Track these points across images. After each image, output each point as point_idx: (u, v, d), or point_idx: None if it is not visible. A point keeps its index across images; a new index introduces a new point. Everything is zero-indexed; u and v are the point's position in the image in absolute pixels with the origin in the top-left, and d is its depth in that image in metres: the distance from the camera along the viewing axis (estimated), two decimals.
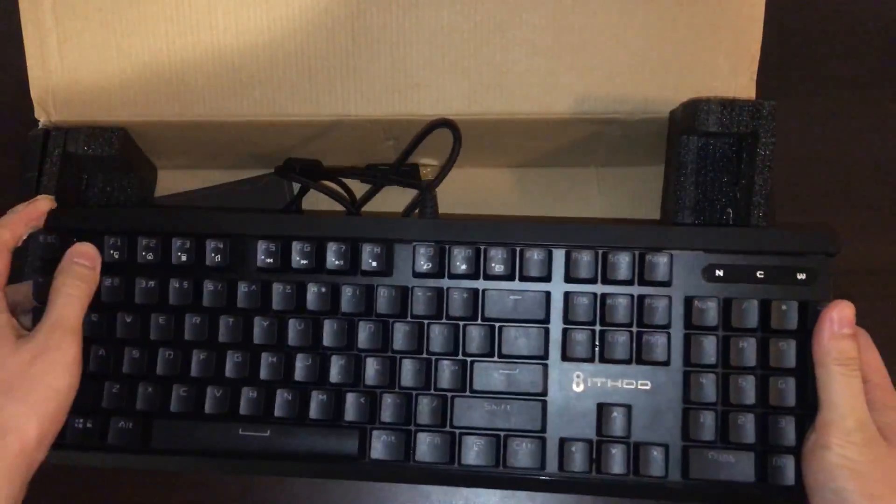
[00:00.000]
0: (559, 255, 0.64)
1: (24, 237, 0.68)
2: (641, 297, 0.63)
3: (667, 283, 0.63)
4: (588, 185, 0.88)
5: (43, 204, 0.69)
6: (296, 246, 0.66)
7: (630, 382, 0.62)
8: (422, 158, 0.88)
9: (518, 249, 0.65)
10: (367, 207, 0.87)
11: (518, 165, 0.90)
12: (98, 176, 0.81)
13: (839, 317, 0.57)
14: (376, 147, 0.84)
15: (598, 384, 0.62)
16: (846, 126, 0.89)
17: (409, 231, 0.66)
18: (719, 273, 0.63)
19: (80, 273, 0.64)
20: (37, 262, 0.69)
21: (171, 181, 0.89)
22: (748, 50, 0.74)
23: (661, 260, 0.62)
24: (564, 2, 0.73)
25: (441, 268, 0.65)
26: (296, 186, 0.89)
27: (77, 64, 0.76)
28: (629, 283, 0.63)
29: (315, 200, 0.90)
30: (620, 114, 0.74)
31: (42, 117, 0.77)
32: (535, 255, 0.64)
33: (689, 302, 0.62)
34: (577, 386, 0.63)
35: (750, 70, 0.74)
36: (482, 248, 0.65)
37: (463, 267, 0.64)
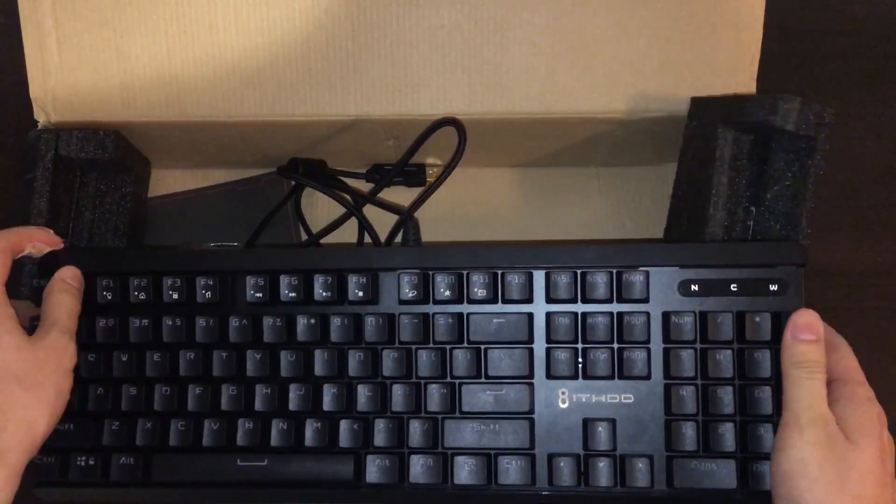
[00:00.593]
0: (539, 277, 0.70)
1: (24, 252, 0.73)
2: (620, 315, 0.68)
3: (644, 300, 0.68)
4: (588, 185, 0.94)
5: (53, 239, 0.76)
6: (283, 280, 0.71)
7: (613, 397, 0.68)
8: (427, 158, 0.92)
9: (499, 273, 0.70)
10: (369, 209, 0.90)
11: (518, 165, 0.94)
12: (92, 175, 0.85)
13: (800, 322, 0.64)
14: (377, 147, 0.88)
15: (583, 399, 0.68)
16: (846, 126, 0.92)
17: (393, 259, 0.71)
18: (695, 288, 0.68)
19: (71, 292, 0.70)
20: (29, 307, 0.73)
21: (171, 181, 0.94)
22: (748, 49, 0.77)
23: (638, 278, 0.68)
24: (564, 2, 0.76)
25: (426, 294, 0.70)
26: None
27: (77, 64, 0.79)
28: (608, 301, 0.69)
29: (316, 200, 0.94)
30: (620, 114, 0.78)
31: (41, 118, 0.81)
32: (515, 279, 0.69)
33: (666, 317, 0.68)
34: (562, 403, 0.69)
35: (750, 69, 0.78)
36: (464, 273, 0.70)
37: (447, 293, 0.70)
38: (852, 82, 0.93)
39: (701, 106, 0.77)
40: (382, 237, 0.88)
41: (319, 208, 0.95)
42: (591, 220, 0.94)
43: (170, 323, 0.72)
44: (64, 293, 0.70)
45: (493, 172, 0.95)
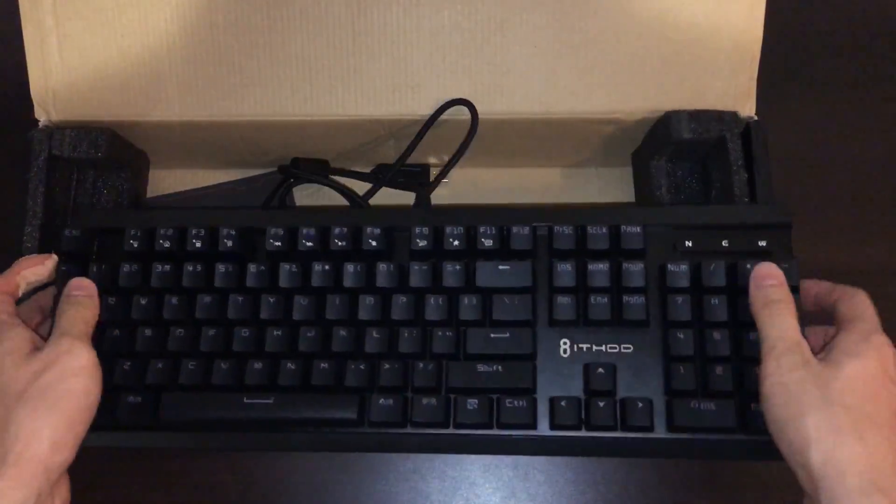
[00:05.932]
0: (543, 231, 0.76)
1: (22, 290, 0.78)
2: (619, 264, 0.74)
3: (641, 252, 0.75)
4: (588, 185, 0.99)
5: (37, 260, 0.79)
6: (302, 231, 0.76)
7: (613, 347, 0.74)
8: (430, 158, 0.97)
9: (505, 227, 0.76)
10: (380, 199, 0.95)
11: (518, 165, 0.98)
12: (88, 173, 0.90)
13: (761, 272, 0.70)
14: (377, 147, 0.92)
15: (584, 349, 0.74)
16: (846, 126, 0.98)
17: (407, 218, 0.78)
18: (688, 244, 0.75)
19: (79, 301, 0.74)
20: (61, 257, 0.78)
21: (171, 181, 0.99)
22: (748, 50, 0.82)
23: (636, 230, 0.74)
24: (564, 2, 0.81)
25: (436, 246, 0.76)
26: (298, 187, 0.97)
27: (77, 64, 0.83)
28: (607, 253, 0.75)
29: (318, 200, 0.99)
30: (620, 114, 0.84)
31: (42, 117, 0.85)
32: (522, 231, 0.75)
33: (662, 268, 0.74)
34: (563, 352, 0.74)
35: (750, 70, 0.83)
36: (473, 228, 0.76)
37: (455, 243, 0.76)
38: (852, 82, 1.00)
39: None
40: None
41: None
42: None
43: (190, 268, 0.77)
44: (71, 306, 0.74)
45: (493, 172, 1.00)
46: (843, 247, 0.95)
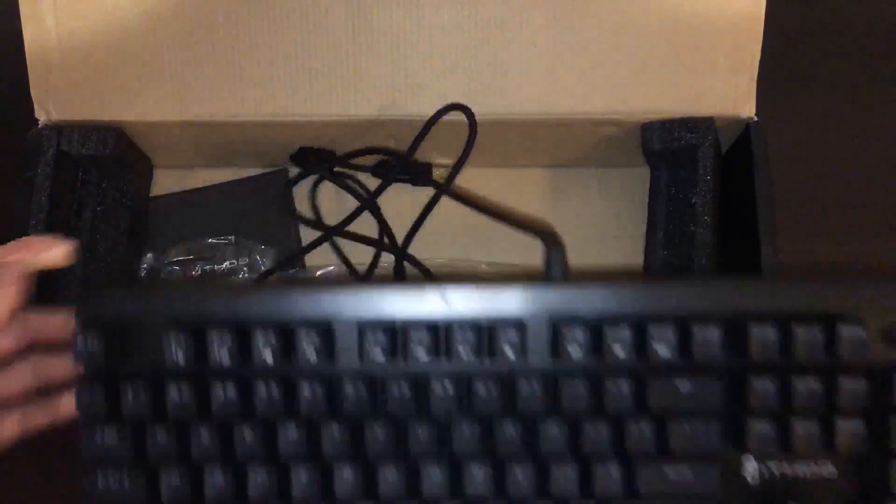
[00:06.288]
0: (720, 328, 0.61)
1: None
2: (832, 376, 0.61)
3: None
4: (588, 185, 0.99)
5: (47, 243, 0.67)
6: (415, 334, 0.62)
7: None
8: (434, 156, 0.97)
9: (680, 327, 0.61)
10: (382, 200, 0.94)
11: (518, 165, 0.99)
12: (93, 174, 0.90)
13: None
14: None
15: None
16: (846, 126, 0.99)
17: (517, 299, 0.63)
18: None
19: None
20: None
21: (171, 180, 0.99)
22: (748, 50, 0.81)
23: (858, 333, 0.61)
24: (564, 2, 0.81)
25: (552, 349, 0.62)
26: (300, 188, 0.97)
27: (77, 63, 0.83)
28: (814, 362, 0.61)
29: (321, 192, 0.99)
30: (620, 114, 0.84)
31: (42, 116, 0.85)
32: (707, 335, 0.61)
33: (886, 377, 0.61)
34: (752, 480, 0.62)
35: (750, 70, 0.82)
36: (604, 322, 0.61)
37: (579, 353, 0.61)
38: (853, 82, 1.00)
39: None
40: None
41: (330, 199, 0.99)
42: (591, 220, 1.00)
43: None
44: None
45: (493, 172, 1.00)
46: (843, 247, 0.95)
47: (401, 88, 0.84)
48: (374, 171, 0.98)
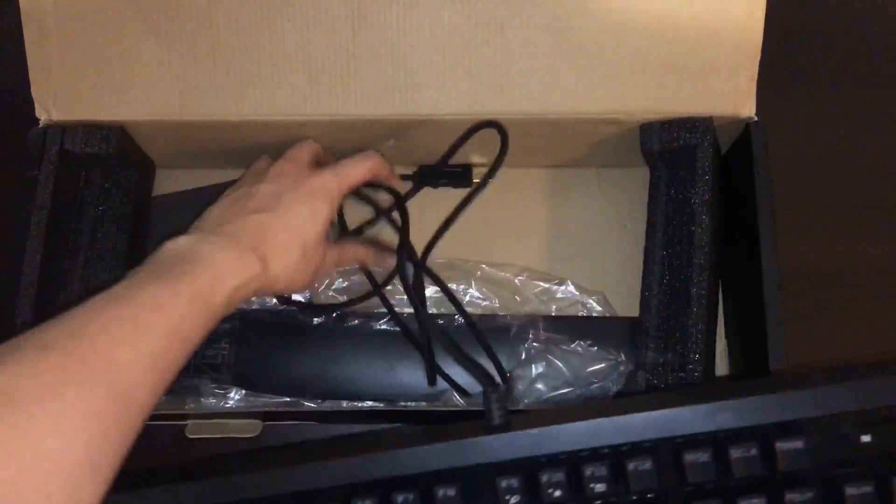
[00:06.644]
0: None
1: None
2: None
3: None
4: (588, 185, 0.99)
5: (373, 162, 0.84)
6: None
7: None
8: (472, 157, 0.97)
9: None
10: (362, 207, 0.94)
11: (518, 165, 0.98)
12: (96, 173, 0.90)
13: None
14: (378, 147, 0.92)
15: None
16: (846, 126, 0.99)
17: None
18: (865, 438, 0.61)
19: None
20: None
21: (172, 180, 0.99)
22: (748, 50, 0.82)
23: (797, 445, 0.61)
24: (564, 2, 0.81)
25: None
26: None
27: (77, 63, 0.84)
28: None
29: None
30: (620, 114, 0.84)
31: (43, 116, 0.85)
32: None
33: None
34: None
35: (750, 70, 0.82)
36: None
37: None
38: (853, 82, 1.00)
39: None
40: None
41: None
42: (591, 220, 1.00)
43: None
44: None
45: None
46: (843, 247, 0.95)
47: (401, 88, 0.84)
48: (411, 178, 0.99)
